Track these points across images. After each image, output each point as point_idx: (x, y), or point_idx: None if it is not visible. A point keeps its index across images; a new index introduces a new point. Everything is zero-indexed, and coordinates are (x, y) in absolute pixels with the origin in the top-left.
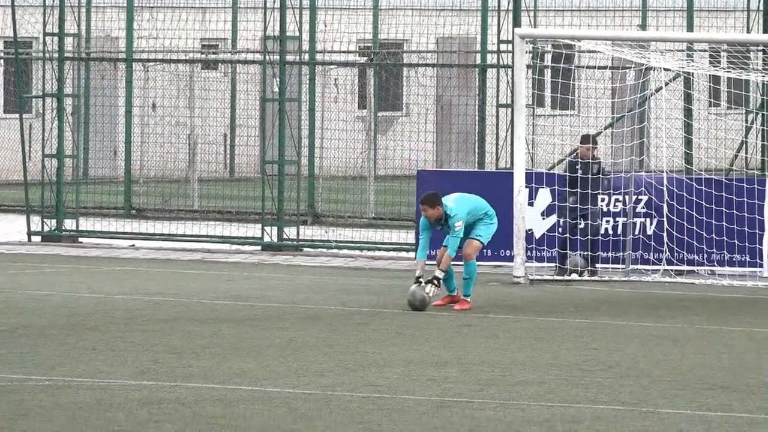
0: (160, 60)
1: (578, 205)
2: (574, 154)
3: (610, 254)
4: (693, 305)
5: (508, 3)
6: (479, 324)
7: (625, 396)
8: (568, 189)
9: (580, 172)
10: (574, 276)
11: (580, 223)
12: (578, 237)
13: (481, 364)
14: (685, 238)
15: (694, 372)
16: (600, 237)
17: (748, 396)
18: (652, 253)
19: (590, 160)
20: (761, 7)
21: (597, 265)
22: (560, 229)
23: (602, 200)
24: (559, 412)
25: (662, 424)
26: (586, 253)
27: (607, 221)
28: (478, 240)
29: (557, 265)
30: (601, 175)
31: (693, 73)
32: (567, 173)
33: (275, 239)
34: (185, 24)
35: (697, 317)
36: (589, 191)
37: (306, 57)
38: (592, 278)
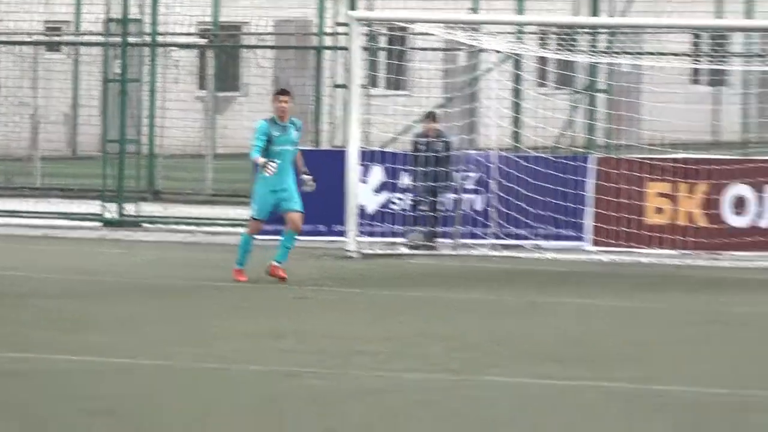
0: (4, 42)
1: (423, 183)
2: (420, 132)
3: (440, 229)
4: (520, 278)
5: None
6: (314, 297)
7: (455, 365)
8: (414, 167)
9: (424, 149)
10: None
11: (426, 200)
12: (423, 213)
13: (318, 336)
14: (513, 213)
15: (521, 342)
16: (444, 213)
17: (570, 365)
18: (480, 228)
19: (435, 138)
20: None
21: (437, 240)
22: (408, 206)
23: (451, 176)
24: (393, 382)
25: (491, 392)
26: (429, 228)
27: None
28: (302, 212)
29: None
30: (448, 152)
31: (522, 55)
32: (413, 152)
33: (116, 215)
34: (29, 6)
35: (525, 290)
36: (435, 168)
37: (148, 39)
38: (431, 252)
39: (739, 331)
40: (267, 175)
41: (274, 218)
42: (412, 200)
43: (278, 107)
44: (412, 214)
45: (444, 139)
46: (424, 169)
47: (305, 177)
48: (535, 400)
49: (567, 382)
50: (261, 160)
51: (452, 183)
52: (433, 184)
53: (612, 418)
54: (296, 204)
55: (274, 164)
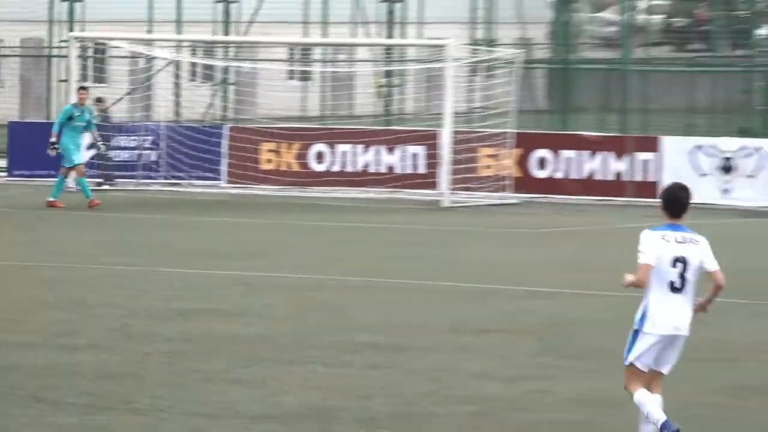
0: None
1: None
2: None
3: (129, 173)
4: (182, 205)
5: (69, 15)
6: (48, 218)
7: (139, 261)
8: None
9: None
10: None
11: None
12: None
13: (52, 242)
14: (176, 162)
15: (183, 246)
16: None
17: (212, 259)
18: (155, 172)
19: (101, 113)
20: (222, 19)
21: (117, 180)
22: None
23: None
24: (102, 271)
25: (161, 277)
26: (108, 172)
27: (129, 152)
28: (83, 164)
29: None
30: (110, 122)
31: (180, 60)
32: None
33: None
34: None
35: (185, 212)
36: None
37: None
38: (112, 188)
39: (321, 236)
40: (49, 152)
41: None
42: (97, 155)
43: (79, 97)
44: (100, 162)
45: (107, 114)
46: (103, 133)
47: (99, 144)
48: (190, 285)
49: (213, 272)
50: (53, 138)
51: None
52: (108, 143)
53: (240, 294)
54: (81, 159)
55: (55, 151)
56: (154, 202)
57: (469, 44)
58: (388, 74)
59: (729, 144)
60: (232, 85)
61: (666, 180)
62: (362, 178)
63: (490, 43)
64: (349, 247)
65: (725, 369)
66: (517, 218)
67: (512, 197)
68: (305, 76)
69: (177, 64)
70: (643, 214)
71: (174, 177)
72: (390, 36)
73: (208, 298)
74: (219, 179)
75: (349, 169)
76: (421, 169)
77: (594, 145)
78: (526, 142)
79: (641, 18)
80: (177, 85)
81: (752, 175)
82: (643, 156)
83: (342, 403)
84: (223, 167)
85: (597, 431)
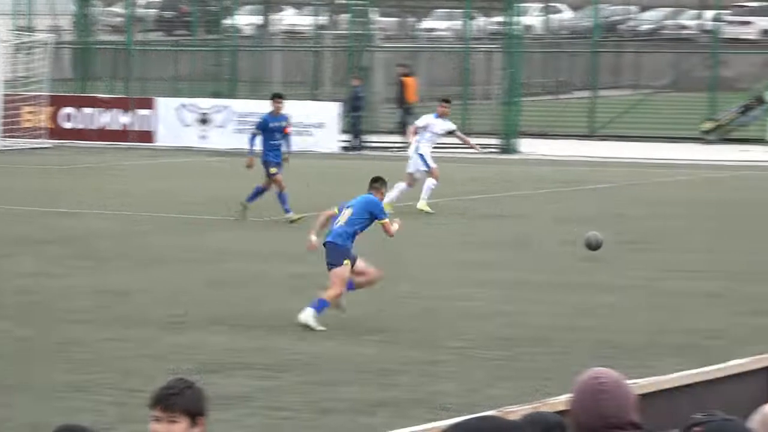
0: None
1: None
2: None
3: None
4: None
5: None
6: None
7: None
8: None
9: None
10: None
11: None
12: None
13: None
14: None
15: None
16: None
17: None
18: None
19: None
20: None
21: None
22: None
23: None
24: None
25: None
26: None
27: None
28: None
29: None
30: None
31: None
32: None
33: None
34: None
35: None
36: None
37: None
38: None
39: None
40: None
41: None
42: None
43: None
44: None
45: None
46: None
47: None
48: None
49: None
50: None
51: None
52: None
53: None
54: None
55: None
56: None
57: (14, 30)
58: None
59: (205, 103)
60: None
61: (160, 130)
62: None
63: (30, 29)
64: None
65: (210, 268)
66: (51, 158)
67: (47, 143)
68: None
69: None
70: (142, 155)
71: None
72: None
73: None
74: None
75: None
76: None
77: (106, 104)
78: (57, 102)
79: (140, 11)
80: None
81: (222, 125)
82: (142, 112)
83: None
84: None
85: (110, 315)
